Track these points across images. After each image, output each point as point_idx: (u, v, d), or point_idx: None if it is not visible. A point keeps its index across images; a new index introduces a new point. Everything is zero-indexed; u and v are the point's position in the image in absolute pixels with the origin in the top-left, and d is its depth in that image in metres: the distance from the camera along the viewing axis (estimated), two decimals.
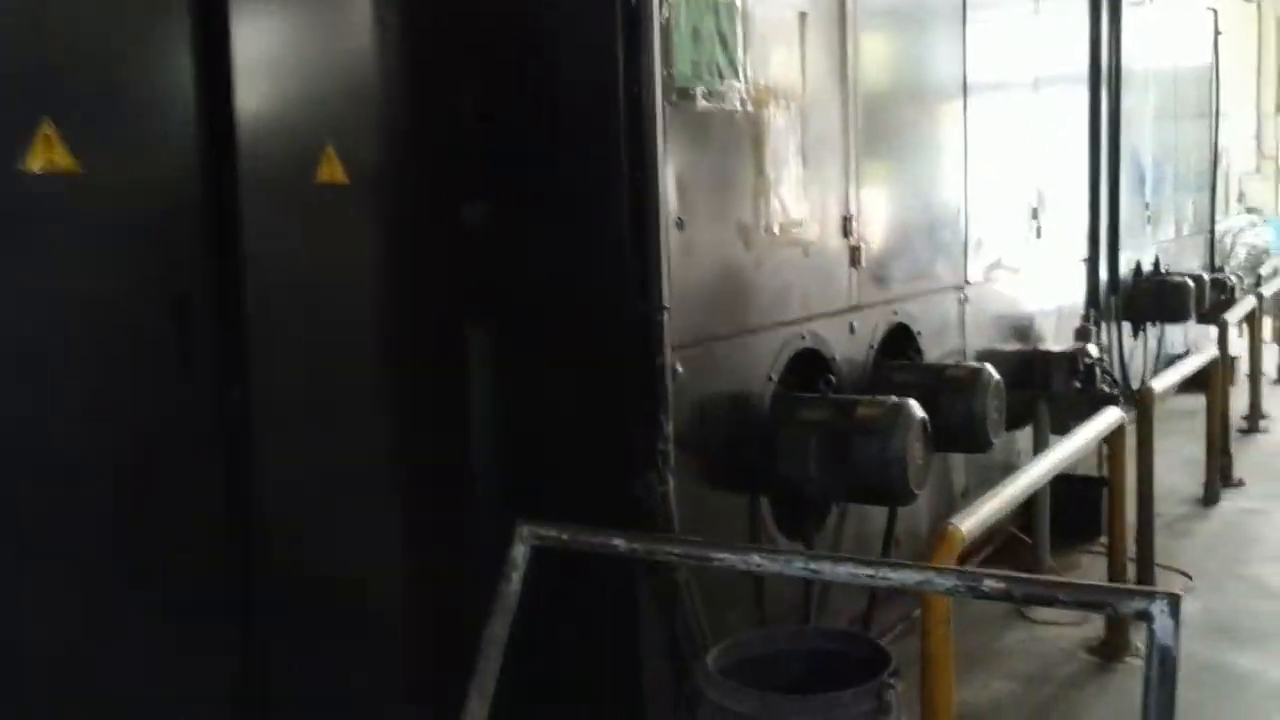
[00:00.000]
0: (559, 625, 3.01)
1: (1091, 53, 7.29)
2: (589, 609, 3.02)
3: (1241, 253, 17.49)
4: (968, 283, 5.27)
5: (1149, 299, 8.61)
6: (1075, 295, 7.17)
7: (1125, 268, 8.42)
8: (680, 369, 3.09)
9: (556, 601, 2.89)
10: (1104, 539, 5.82)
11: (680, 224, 3.09)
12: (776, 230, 3.59)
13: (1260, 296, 9.64)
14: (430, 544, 2.97)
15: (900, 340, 4.62)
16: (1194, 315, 8.68)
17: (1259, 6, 21.07)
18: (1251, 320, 9.22)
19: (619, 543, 2.22)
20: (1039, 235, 6.28)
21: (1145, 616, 1.72)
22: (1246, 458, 8.14)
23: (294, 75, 2.56)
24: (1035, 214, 6.22)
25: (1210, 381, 7.04)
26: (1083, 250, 7.28)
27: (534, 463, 3.14)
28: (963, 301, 5.23)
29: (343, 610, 2.73)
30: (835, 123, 4.02)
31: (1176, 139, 10.27)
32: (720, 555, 2.11)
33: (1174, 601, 1.72)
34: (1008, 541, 6.06)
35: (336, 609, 2.71)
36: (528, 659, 2.75)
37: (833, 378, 3.71)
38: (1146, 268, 9.09)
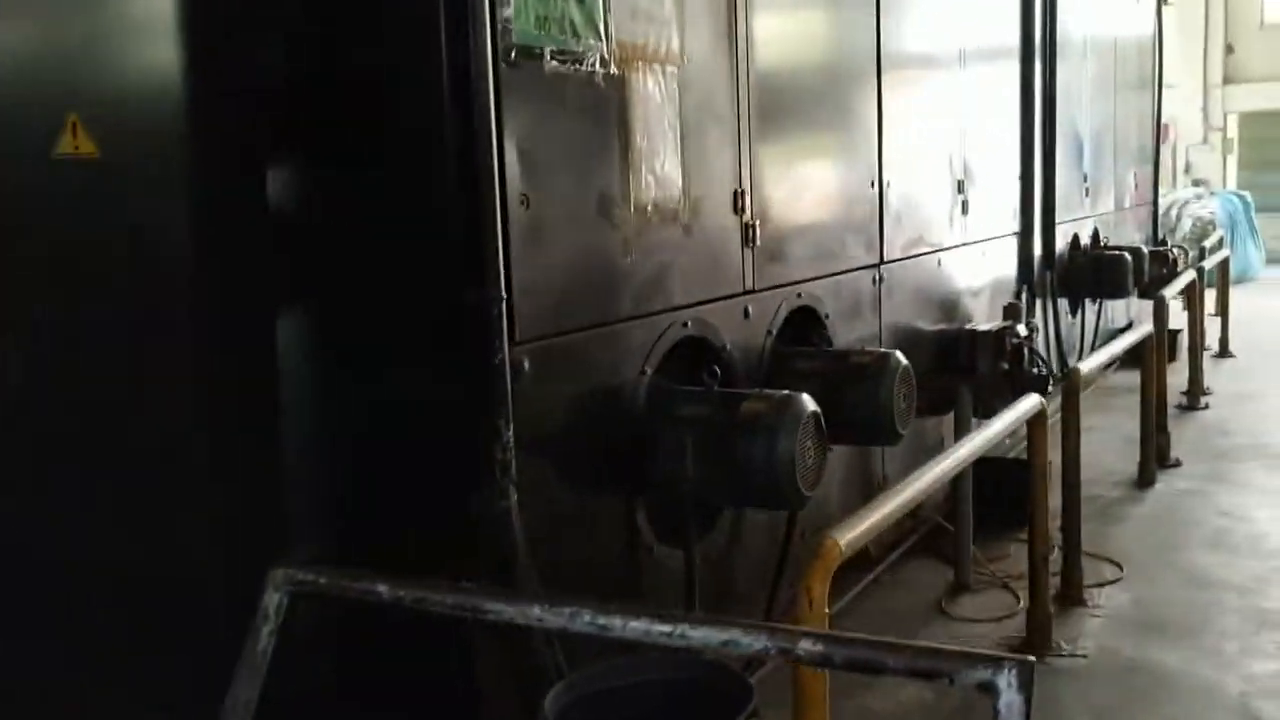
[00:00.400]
0: (383, 665, 2.64)
1: (1023, 23, 6.95)
2: (417, 645, 2.65)
3: (1187, 225, 17.32)
4: (884, 261, 4.92)
5: (1086, 274, 8.33)
6: (1007, 272, 6.85)
7: (1062, 242, 8.13)
8: (528, 365, 2.72)
9: (377, 638, 2.53)
10: None
11: (526, 201, 2.71)
12: (650, 207, 3.22)
13: (1201, 271, 9.40)
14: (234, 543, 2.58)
15: (807, 324, 4.28)
16: (1132, 290, 8.40)
17: None
18: (1192, 294, 8.97)
19: (383, 589, 1.85)
20: (965, 210, 5.95)
21: (989, 689, 1.38)
22: (1185, 436, 7.89)
23: (28, 33, 2.17)
24: (961, 188, 5.89)
25: (1144, 359, 6.75)
26: (1015, 225, 6.96)
27: (362, 474, 2.77)
28: (879, 281, 4.88)
29: None
30: (724, 89, 3.64)
31: (1118, 110, 9.99)
32: (495, 606, 1.76)
33: (1025, 671, 1.38)
34: (933, 530, 5.76)
35: None
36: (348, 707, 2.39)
37: (717, 369, 3.35)
38: (1085, 241, 8.82)
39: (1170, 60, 21.46)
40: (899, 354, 4.05)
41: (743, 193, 3.71)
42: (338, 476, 2.73)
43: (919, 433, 5.46)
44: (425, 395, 2.64)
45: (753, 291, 3.82)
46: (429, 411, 2.65)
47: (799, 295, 4.17)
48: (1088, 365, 5.31)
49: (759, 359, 3.89)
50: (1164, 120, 21.65)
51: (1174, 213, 17.60)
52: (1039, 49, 7.28)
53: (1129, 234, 10.72)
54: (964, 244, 5.98)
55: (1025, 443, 5.33)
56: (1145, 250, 9.08)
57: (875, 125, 4.81)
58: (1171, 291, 7.79)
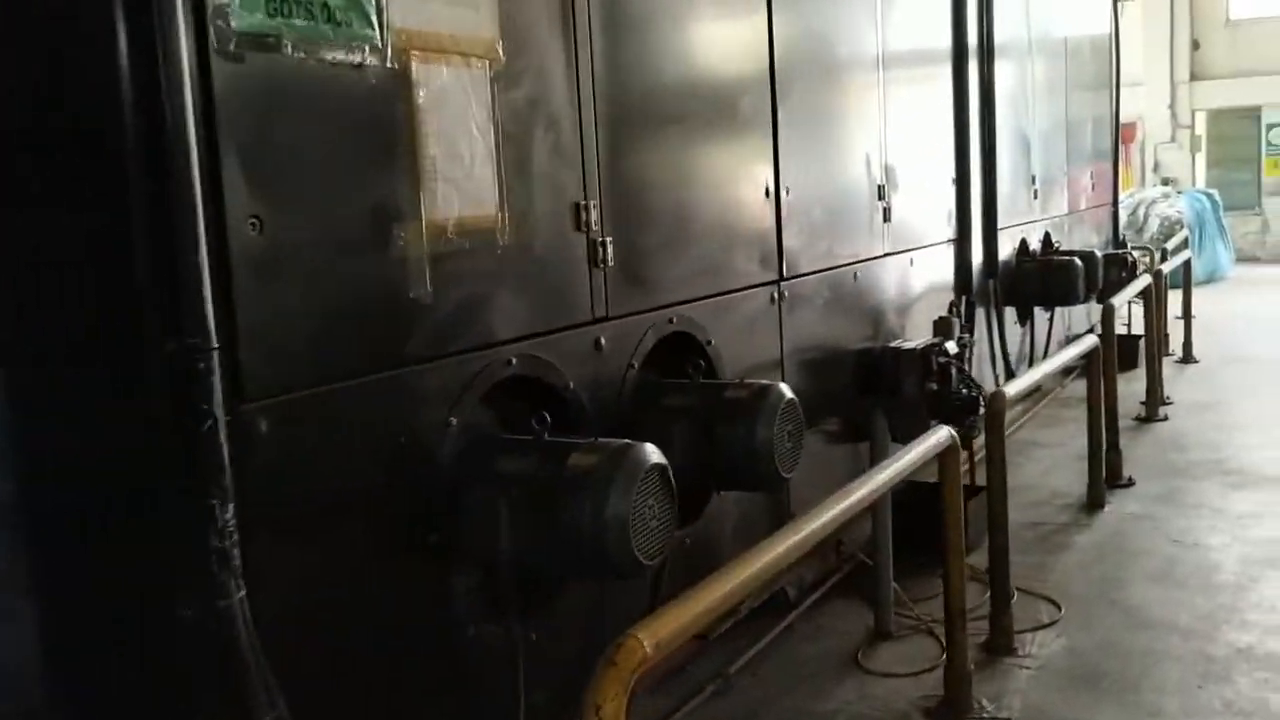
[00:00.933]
0: None
1: (955, 23, 6.43)
2: None
3: (1155, 224, 16.88)
4: (785, 277, 4.40)
5: (1034, 281, 7.82)
6: (942, 281, 6.34)
7: (1008, 247, 7.63)
8: (266, 427, 2.19)
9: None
10: (969, 560, 5.05)
11: (257, 224, 2.18)
12: (451, 227, 2.69)
13: (1159, 274, 8.91)
14: None
15: (686, 353, 3.75)
16: (1083, 296, 7.90)
17: None
18: (1150, 298, 8.48)
19: None
20: (887, 217, 5.44)
21: None
22: (1140, 451, 7.39)
23: None
24: (882, 193, 5.37)
25: (1090, 372, 6.26)
26: (950, 231, 6.45)
27: (63, 563, 2.23)
28: (779, 300, 4.36)
29: None
30: (561, 86, 3.12)
31: (1071, 109, 9.51)
32: None
33: None
34: (859, 568, 5.24)
35: None
36: None
37: (547, 415, 2.81)
38: (1035, 246, 8.32)
39: (1136, 57, 21.06)
40: (783, 386, 3.52)
41: (586, 206, 3.17)
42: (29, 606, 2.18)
43: (842, 460, 4.96)
44: (129, 473, 2.10)
45: (606, 319, 3.29)
46: (130, 495, 2.12)
47: (672, 321, 3.64)
48: (1014, 387, 4.80)
49: (616, 397, 3.36)
50: (1131, 119, 21.29)
51: (1141, 212, 17.17)
52: (975, 49, 6.79)
53: (1086, 237, 10.25)
54: (887, 254, 5.46)
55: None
56: (1099, 254, 8.57)
57: (770, 127, 4.28)
58: (1122, 298, 7.30)
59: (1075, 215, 9.86)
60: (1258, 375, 9.96)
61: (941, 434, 3.83)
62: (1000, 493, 4.52)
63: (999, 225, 7.20)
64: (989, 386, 7.13)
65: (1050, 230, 8.82)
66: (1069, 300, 7.94)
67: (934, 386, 5.22)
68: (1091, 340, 6.12)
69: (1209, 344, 11.21)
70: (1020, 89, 8.00)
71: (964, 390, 5.26)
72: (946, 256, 6.42)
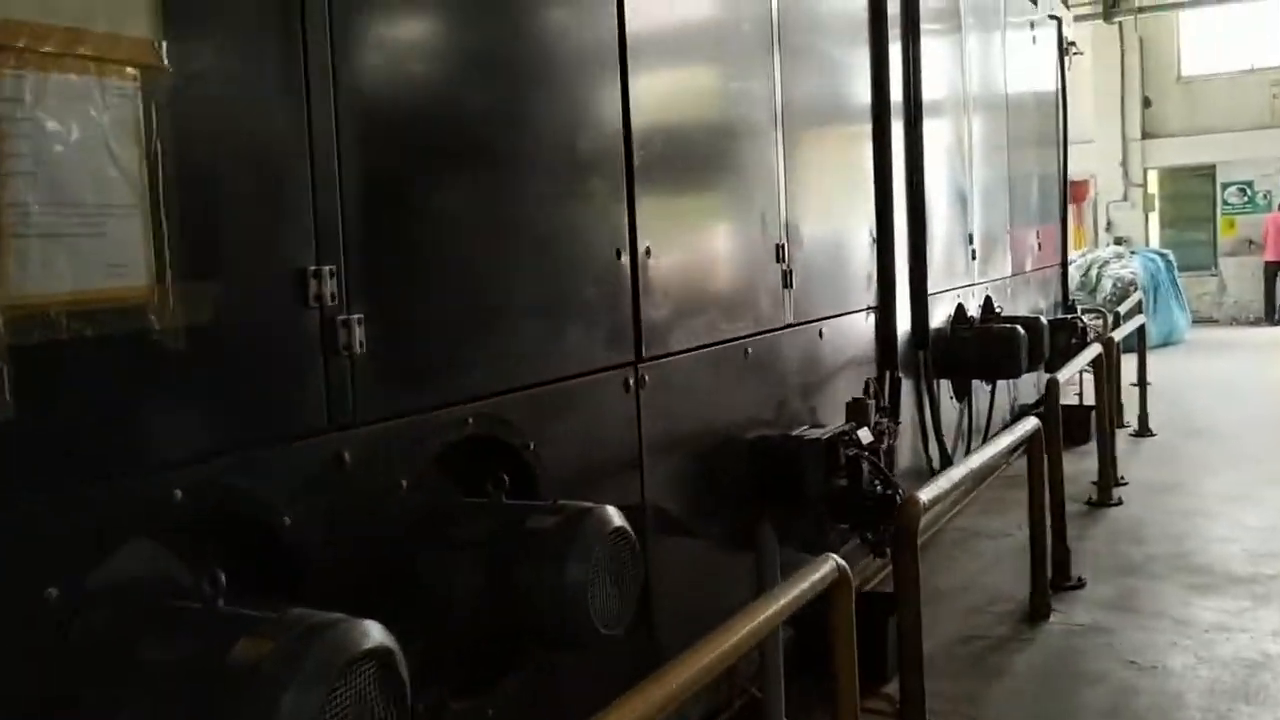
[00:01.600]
0: None
1: (875, 80, 5.67)
2: None
3: (1108, 285, 16.27)
4: (645, 358, 3.55)
5: (972, 351, 7.04)
6: (860, 355, 5.53)
7: (942, 314, 6.86)
8: None
9: None
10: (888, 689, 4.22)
11: None
12: (55, 305, 1.82)
13: (1111, 342, 8.15)
14: None
15: (499, 461, 2.89)
16: (1025, 367, 7.12)
17: (1120, 28, 20.06)
18: (1101, 369, 7.71)
19: None
20: (788, 282, 4.62)
21: None
22: (1092, 543, 6.59)
23: None
24: (782, 254, 4.56)
25: (1031, 459, 5.44)
26: (870, 298, 5.65)
27: None
28: (636, 386, 3.51)
29: None
30: (273, 102, 2.26)
31: (1014, 168, 8.83)
32: None
33: None
34: (751, 702, 4.36)
35: None
36: None
37: (220, 574, 1.94)
38: (974, 312, 7.56)
39: (1086, 115, 20.67)
40: (609, 511, 2.64)
41: (317, 272, 2.31)
42: None
43: (733, 579, 4.09)
44: None
45: (351, 426, 2.41)
46: None
47: (470, 422, 2.78)
48: (930, 491, 3.95)
49: (371, 532, 2.48)
50: (1083, 176, 20.84)
51: (1094, 273, 16.56)
52: (900, 105, 6.07)
53: (1032, 300, 9.54)
54: (790, 325, 4.64)
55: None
56: (1044, 321, 7.82)
57: (623, 176, 3.46)
58: (1069, 371, 6.51)
59: (1021, 277, 9.15)
60: (1220, 451, 9.22)
61: (827, 566, 2.97)
62: (913, 624, 3.66)
63: (930, 290, 6.42)
64: (921, 470, 6.34)
65: (992, 294, 8.08)
66: (1011, 372, 7.16)
67: (842, 483, 4.38)
68: (1031, 423, 5.30)
69: (1166, 414, 10.49)
70: (956, 146, 7.28)
71: (877, 488, 4.42)
72: (867, 326, 5.61)
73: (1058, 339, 9.18)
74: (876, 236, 5.69)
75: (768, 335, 4.45)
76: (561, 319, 3.18)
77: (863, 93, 5.59)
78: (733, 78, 4.27)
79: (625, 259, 3.47)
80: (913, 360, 6.28)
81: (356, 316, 2.42)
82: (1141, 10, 20.41)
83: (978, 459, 4.62)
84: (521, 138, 3.03)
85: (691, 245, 3.90)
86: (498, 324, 2.91)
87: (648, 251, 3.56)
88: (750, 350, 4.29)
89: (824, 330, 4.99)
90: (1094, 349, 7.47)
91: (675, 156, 3.78)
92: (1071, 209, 21.03)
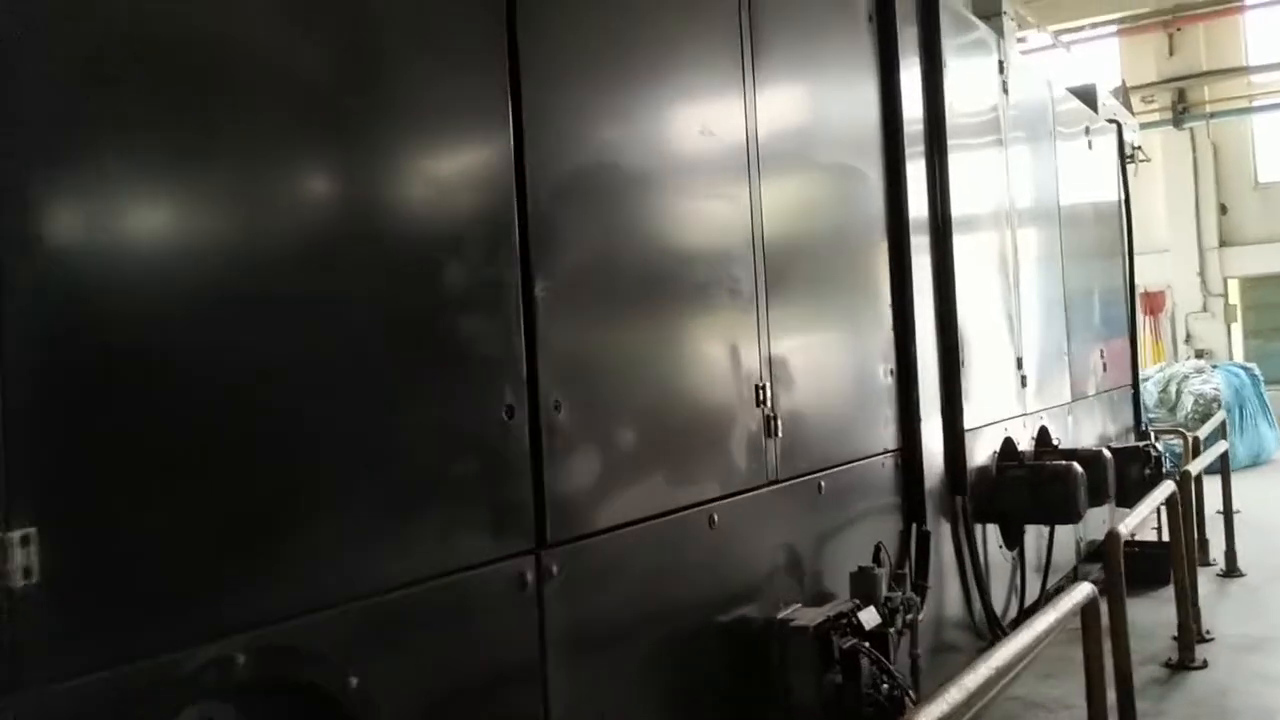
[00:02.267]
0: None
1: (890, 199, 4.90)
2: None
3: (1189, 403, 15.03)
4: (552, 543, 2.73)
5: (1023, 493, 6.07)
6: (878, 508, 4.63)
7: (986, 451, 5.93)
8: None
9: None
10: None
11: None
12: None
13: (1188, 478, 7.10)
14: None
15: (302, 708, 2.08)
16: (1084, 510, 6.11)
17: (1191, 134, 19.11)
18: (1176, 510, 6.66)
19: None
20: (773, 430, 3.78)
21: None
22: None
23: None
24: (762, 398, 3.73)
25: (1086, 638, 4.44)
26: (889, 440, 4.77)
27: None
28: (537, 582, 2.68)
29: None
30: None
31: (1073, 281, 7.93)
32: None
33: None
34: None
35: None
36: None
37: None
38: (1026, 446, 6.61)
39: (1160, 223, 19.67)
40: None
41: None
42: None
43: None
44: None
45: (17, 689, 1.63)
46: None
47: (242, 660, 1.97)
48: (934, 712, 3.02)
49: None
50: (1159, 287, 19.74)
51: (1173, 389, 15.35)
52: (925, 223, 5.29)
53: (1099, 426, 8.52)
54: (775, 482, 3.79)
55: None
56: (1107, 454, 6.81)
57: (514, 302, 2.69)
58: (1132, 522, 5.49)
59: (1084, 402, 8.15)
60: None
61: None
62: None
63: (968, 425, 5.52)
64: (967, 630, 5.36)
65: (1049, 424, 7.11)
66: (1067, 516, 6.14)
67: (837, 681, 3.48)
68: (1084, 591, 4.33)
69: (1257, 549, 9.27)
70: (998, 262, 6.43)
71: (883, 686, 3.50)
72: (886, 473, 4.72)
73: (1129, 471, 8.16)
74: (896, 368, 4.84)
75: (743, 497, 3.60)
76: (413, 502, 2.38)
77: (874, 210, 4.80)
78: (699, 194, 3.52)
79: (521, 416, 2.67)
80: (949, 508, 5.35)
81: (19, 534, 1.65)
82: (1213, 116, 19.46)
83: (1011, 648, 3.66)
84: (321, 266, 2.28)
85: (627, 391, 3.10)
86: (298, 516, 2.13)
87: (556, 405, 2.77)
88: (717, 518, 3.44)
89: (824, 484, 4.12)
90: (1166, 487, 6.44)
91: (601, 279, 3.01)
92: (1147, 321, 19.94)
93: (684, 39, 3.45)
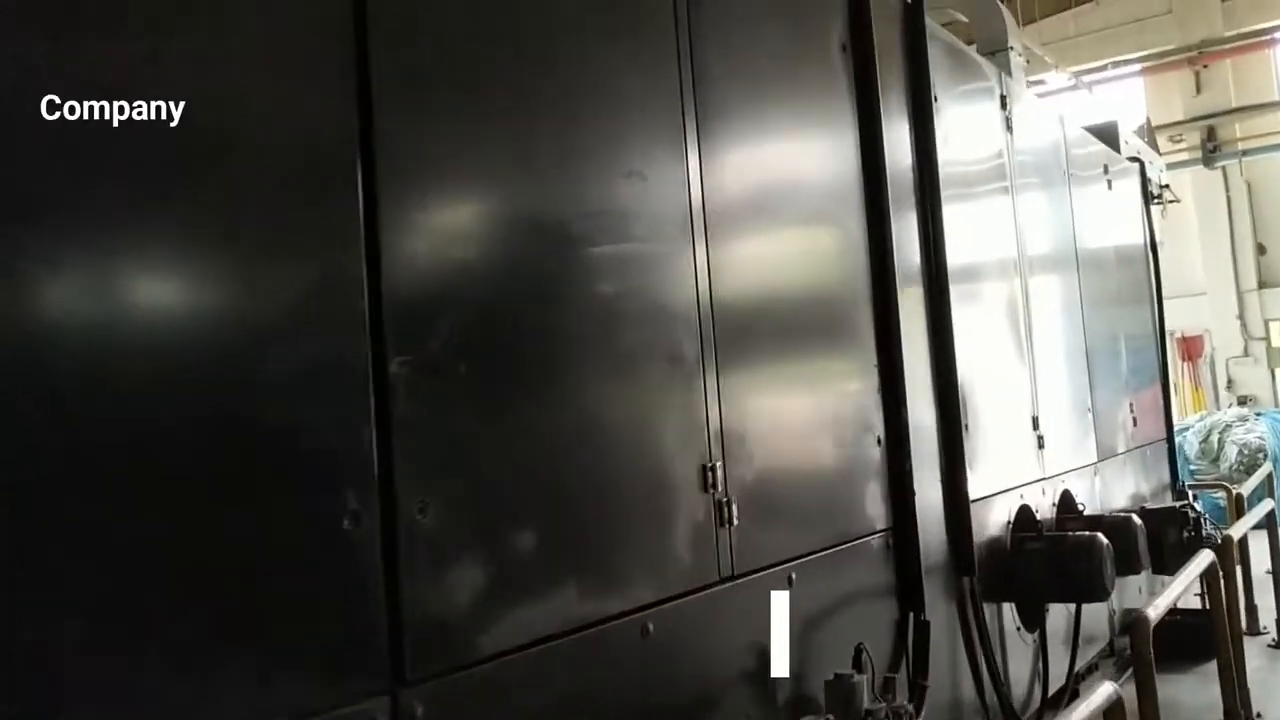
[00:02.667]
0: None
1: (875, 254, 4.38)
2: None
3: (1232, 453, 14.26)
4: (415, 680, 2.20)
5: (1041, 568, 5.45)
6: (868, 593, 4.05)
7: (999, 522, 5.34)
8: None
9: None
10: None
11: None
12: None
13: (1226, 545, 6.45)
14: None
15: None
16: (1110, 585, 5.47)
17: (1224, 172, 18.43)
18: (1216, 581, 6.01)
19: None
20: (726, 518, 3.23)
21: None
22: None
23: None
24: (711, 481, 3.19)
25: None
26: (882, 518, 4.20)
27: None
28: None
29: None
30: None
31: (1093, 330, 7.34)
32: None
33: None
34: None
35: None
36: None
37: None
38: (1047, 513, 6.00)
39: (1195, 265, 18.94)
40: None
41: None
42: None
43: None
44: None
45: None
46: None
47: None
48: None
49: None
50: (1197, 332, 18.96)
51: (1215, 439, 14.59)
52: (921, 277, 4.77)
53: (1131, 486, 7.87)
54: (726, 580, 3.23)
55: None
56: (1137, 521, 6.19)
57: (361, 391, 2.18)
58: (1164, 604, 4.85)
59: (1113, 461, 7.52)
60: None
61: None
62: None
63: (975, 495, 4.93)
64: None
65: (1073, 488, 6.49)
66: (1091, 593, 5.51)
67: None
68: (1106, 691, 3.72)
69: None
70: (1007, 314, 5.87)
71: None
72: (877, 556, 4.15)
73: (1166, 534, 7.52)
74: (885, 437, 4.28)
75: (688, 599, 3.05)
76: (215, 644, 1.86)
77: (854, 264, 4.27)
78: (624, 246, 3.01)
79: (369, 523, 2.15)
80: (955, 590, 4.75)
81: None
82: (1246, 153, 18.78)
83: None
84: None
85: (525, 483, 2.57)
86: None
87: (420, 508, 2.24)
88: (653, 627, 2.89)
89: (796, 575, 3.56)
90: (1203, 558, 5.79)
91: (486, 348, 2.50)
92: (1185, 368, 19.16)
93: (597, 63, 2.96)
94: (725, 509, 3.21)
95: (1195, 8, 18.47)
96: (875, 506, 4.15)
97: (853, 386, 4.13)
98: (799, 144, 4.00)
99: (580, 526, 2.71)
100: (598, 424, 2.83)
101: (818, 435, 3.86)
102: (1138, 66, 17.85)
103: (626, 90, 3.05)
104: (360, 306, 2.18)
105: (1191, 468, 13.77)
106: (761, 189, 3.68)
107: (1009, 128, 6.09)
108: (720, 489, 3.20)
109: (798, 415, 3.75)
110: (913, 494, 4.32)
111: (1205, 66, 18.41)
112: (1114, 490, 7.37)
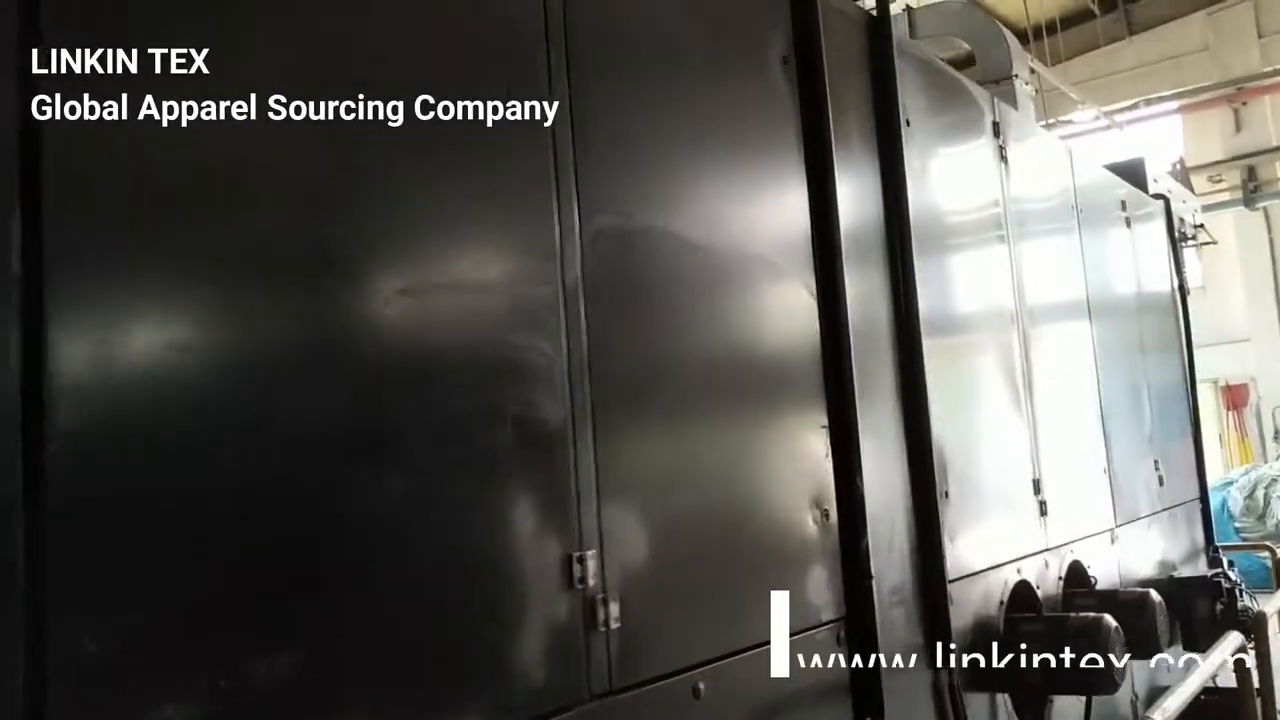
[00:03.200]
0: None
1: (823, 304, 3.78)
2: None
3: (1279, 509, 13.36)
4: None
5: (1038, 654, 4.75)
6: (805, 712, 3.40)
7: (988, 603, 4.67)
8: None
9: None
10: None
11: None
12: None
13: (1259, 621, 5.70)
14: None
15: None
16: (1119, 677, 4.74)
17: (1266, 213, 17.59)
18: (1245, 671, 5.27)
19: None
20: (599, 621, 2.62)
21: None
22: None
23: None
24: (579, 575, 2.58)
25: None
26: (823, 607, 3.56)
27: None
28: None
29: None
30: None
31: (1111, 382, 6.66)
32: None
33: None
34: None
35: None
36: None
37: None
38: (1052, 589, 5.31)
39: (1238, 310, 18.03)
40: None
41: None
42: None
43: None
44: None
45: None
46: None
47: None
48: None
49: None
50: (1241, 379, 18.02)
51: (1261, 494, 13.67)
52: (891, 330, 4.18)
53: (1157, 553, 7.12)
54: (602, 695, 2.62)
55: None
56: (1155, 597, 5.46)
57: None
58: (1172, 708, 4.14)
59: (1136, 525, 6.79)
60: None
61: None
62: None
63: (954, 573, 4.28)
64: None
65: (1085, 557, 5.79)
66: (1100, 684, 4.78)
67: None
68: None
69: None
70: (1003, 369, 5.22)
71: None
72: (822, 653, 3.50)
73: (1196, 606, 6.79)
74: (837, 509, 3.65)
75: None
76: None
77: (794, 313, 3.66)
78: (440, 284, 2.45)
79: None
80: (929, 688, 4.09)
81: None
82: None
83: None
84: None
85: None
86: None
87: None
88: None
89: (704, 685, 2.93)
90: (1229, 642, 5.06)
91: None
92: (1230, 417, 18.20)
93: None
94: (600, 608, 2.61)
95: (1232, 44, 17.74)
96: (822, 593, 3.51)
97: (791, 452, 3.51)
98: (718, 179, 3.41)
99: (401, 630, 2.12)
100: (413, 512, 2.24)
101: (740, 511, 3.24)
102: (1174, 105, 17.12)
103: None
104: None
105: (1236, 525, 12.88)
106: (659, 228, 3.10)
107: (1004, 159, 5.48)
108: (592, 583, 2.60)
109: (711, 489, 3.13)
110: (869, 576, 3.68)
111: (1244, 104, 17.63)
112: (1137, 558, 6.63)
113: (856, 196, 4.04)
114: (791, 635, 3.26)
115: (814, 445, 3.60)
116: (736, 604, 3.14)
